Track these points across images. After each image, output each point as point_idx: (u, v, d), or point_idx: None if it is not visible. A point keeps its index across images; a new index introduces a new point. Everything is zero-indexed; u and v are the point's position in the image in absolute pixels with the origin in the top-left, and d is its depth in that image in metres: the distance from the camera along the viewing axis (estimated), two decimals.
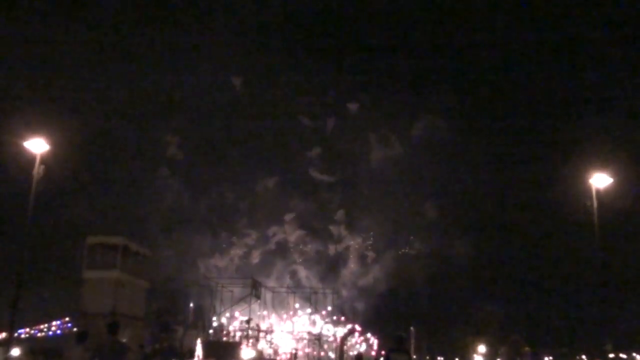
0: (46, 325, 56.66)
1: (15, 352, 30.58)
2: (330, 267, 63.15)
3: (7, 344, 24.39)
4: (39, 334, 54.52)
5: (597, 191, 24.62)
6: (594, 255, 24.77)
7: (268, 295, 53.28)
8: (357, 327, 53.16)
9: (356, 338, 53.62)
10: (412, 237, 64.18)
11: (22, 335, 53.97)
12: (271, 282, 57.22)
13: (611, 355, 26.89)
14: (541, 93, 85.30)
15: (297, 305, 53.69)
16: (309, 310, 52.63)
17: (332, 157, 67.70)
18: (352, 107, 67.65)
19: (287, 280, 60.46)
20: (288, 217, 64.76)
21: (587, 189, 24.86)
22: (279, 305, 54.81)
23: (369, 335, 56.13)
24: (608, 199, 25.45)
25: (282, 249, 64.75)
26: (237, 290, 49.66)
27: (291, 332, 48.64)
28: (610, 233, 31.33)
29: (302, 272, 64.34)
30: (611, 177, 24.73)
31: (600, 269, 25.20)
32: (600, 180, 24.70)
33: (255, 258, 63.73)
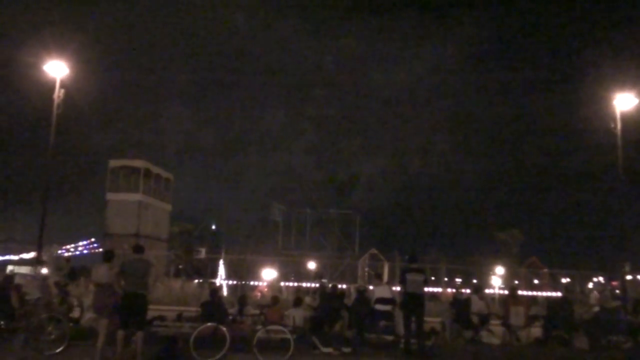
0: (73, 245, 58.22)
1: (44, 271, 31.53)
2: (340, 192, 63.49)
3: (36, 262, 25.18)
4: (66, 254, 55.94)
5: (622, 113, 24.15)
6: (617, 179, 24.48)
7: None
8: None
9: None
10: (425, 161, 64.22)
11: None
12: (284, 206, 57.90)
13: (629, 277, 27.01)
14: (561, 12, 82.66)
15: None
16: None
17: (340, 87, 67.34)
18: (360, 38, 66.65)
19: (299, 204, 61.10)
20: (297, 145, 65.02)
21: (611, 111, 24.38)
22: (294, 228, 55.67)
23: None
24: (633, 120, 24.98)
25: (293, 175, 65.23)
26: (253, 216, 50.61)
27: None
28: (633, 157, 30.96)
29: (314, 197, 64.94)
30: (637, 97, 24.18)
31: (622, 192, 24.96)
32: (624, 102, 24.18)
33: (268, 184, 64.44)
